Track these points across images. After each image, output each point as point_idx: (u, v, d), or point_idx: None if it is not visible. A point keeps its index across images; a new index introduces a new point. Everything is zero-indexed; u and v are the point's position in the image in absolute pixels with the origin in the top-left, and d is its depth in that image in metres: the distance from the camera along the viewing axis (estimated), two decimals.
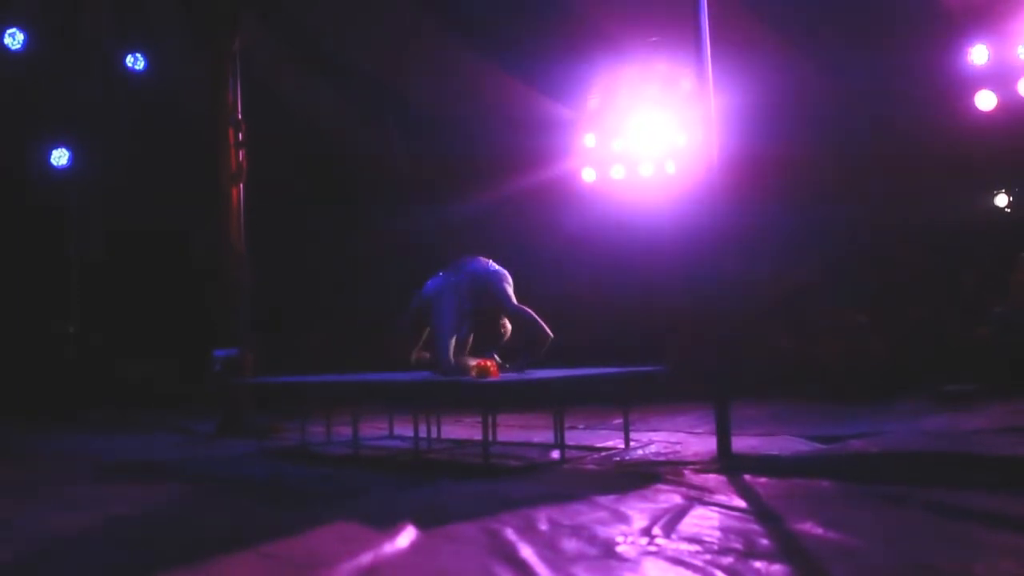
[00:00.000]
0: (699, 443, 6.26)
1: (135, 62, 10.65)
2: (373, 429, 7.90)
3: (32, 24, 10.09)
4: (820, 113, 9.81)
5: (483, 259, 6.58)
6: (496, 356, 6.42)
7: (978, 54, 9.08)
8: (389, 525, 3.73)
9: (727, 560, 3.07)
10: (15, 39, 9.95)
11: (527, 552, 3.27)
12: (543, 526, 3.72)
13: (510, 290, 6.41)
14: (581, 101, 11.42)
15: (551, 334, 6.17)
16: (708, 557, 3.12)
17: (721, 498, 4.22)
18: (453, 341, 6.31)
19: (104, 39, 10.77)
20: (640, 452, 6.03)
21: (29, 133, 11.22)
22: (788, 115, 9.85)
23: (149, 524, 4.35)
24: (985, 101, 9.14)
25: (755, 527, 3.59)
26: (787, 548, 3.26)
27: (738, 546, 3.27)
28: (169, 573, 3.24)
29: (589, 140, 11.68)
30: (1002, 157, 9.77)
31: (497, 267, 6.53)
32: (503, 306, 6.34)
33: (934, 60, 9.13)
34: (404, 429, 7.35)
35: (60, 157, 11.27)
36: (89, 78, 11.01)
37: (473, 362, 6.04)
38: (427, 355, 6.68)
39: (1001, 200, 10.52)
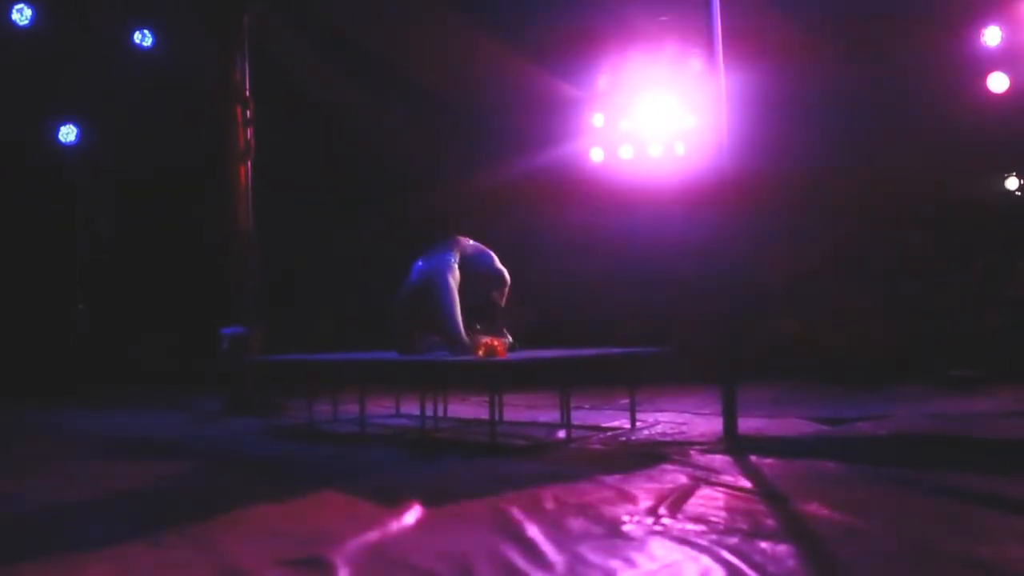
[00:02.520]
0: (705, 424, 6.27)
1: (143, 38, 10.60)
2: (380, 408, 7.92)
3: (39, 0, 10.05)
4: (830, 94, 9.73)
5: (462, 238, 6.76)
6: (508, 336, 6.47)
7: (991, 36, 9.00)
8: (396, 503, 3.75)
9: (732, 540, 3.07)
10: (23, 15, 9.91)
11: (533, 531, 3.28)
12: (549, 505, 3.73)
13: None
14: (590, 80, 11.35)
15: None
16: (714, 537, 3.12)
17: (727, 479, 4.23)
18: (459, 315, 6.34)
19: (112, 15, 10.73)
20: (646, 432, 6.04)
21: (36, 109, 11.20)
22: (797, 96, 9.78)
23: (152, 499, 4.37)
24: (997, 83, 9.06)
25: (761, 508, 3.60)
26: (792, 529, 3.26)
27: (744, 526, 3.28)
28: (172, 547, 3.26)
29: (597, 120, 11.62)
30: (1013, 140, 9.69)
31: (476, 243, 6.82)
32: (492, 271, 6.69)
33: (947, 41, 9.05)
34: (411, 408, 7.36)
35: (68, 134, 11.25)
36: (97, 54, 10.98)
37: (483, 340, 6.06)
38: (433, 338, 6.69)
39: (1012, 183, 10.43)
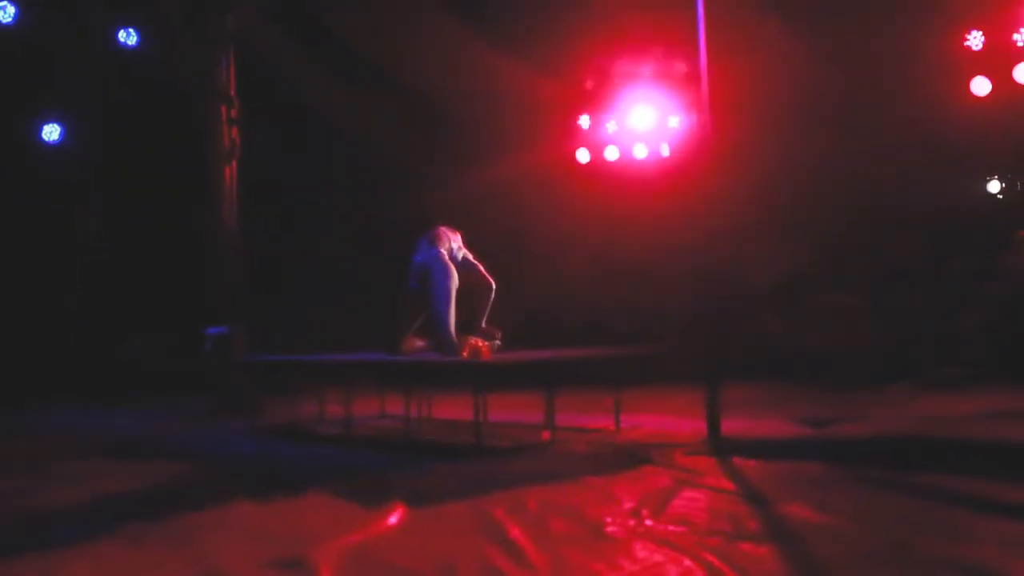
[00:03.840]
0: (689, 425, 6.27)
1: (127, 37, 10.53)
2: (365, 408, 7.90)
3: None
4: (815, 97, 9.78)
5: (445, 229, 6.79)
6: (498, 338, 6.49)
7: (974, 40, 9.06)
8: (379, 504, 3.74)
9: (715, 541, 3.09)
10: (6, 12, 9.82)
11: (516, 532, 3.29)
12: (533, 506, 3.73)
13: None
14: (576, 81, 11.37)
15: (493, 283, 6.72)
16: (696, 538, 3.14)
17: (710, 480, 4.25)
18: (453, 318, 6.35)
19: (96, 13, 10.67)
20: (630, 434, 6.05)
21: (20, 108, 11.12)
22: (783, 99, 9.82)
23: (136, 500, 4.36)
24: (980, 87, 9.12)
25: (743, 509, 3.61)
26: (774, 530, 3.28)
27: (726, 527, 3.29)
28: (153, 548, 3.25)
29: (584, 121, 11.64)
30: (996, 143, 9.76)
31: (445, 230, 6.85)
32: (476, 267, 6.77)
33: (930, 45, 9.11)
34: (396, 408, 7.35)
35: (51, 132, 11.16)
36: (81, 53, 10.91)
37: (468, 341, 6.08)
38: (419, 343, 6.69)
39: (994, 186, 10.51)
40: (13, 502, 4.28)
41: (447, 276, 6.43)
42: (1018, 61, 8.87)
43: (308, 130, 12.42)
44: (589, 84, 11.43)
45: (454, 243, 6.75)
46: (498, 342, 6.53)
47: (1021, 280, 8.93)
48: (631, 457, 5.01)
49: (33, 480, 4.95)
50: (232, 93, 9.11)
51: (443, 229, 6.77)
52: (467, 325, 6.62)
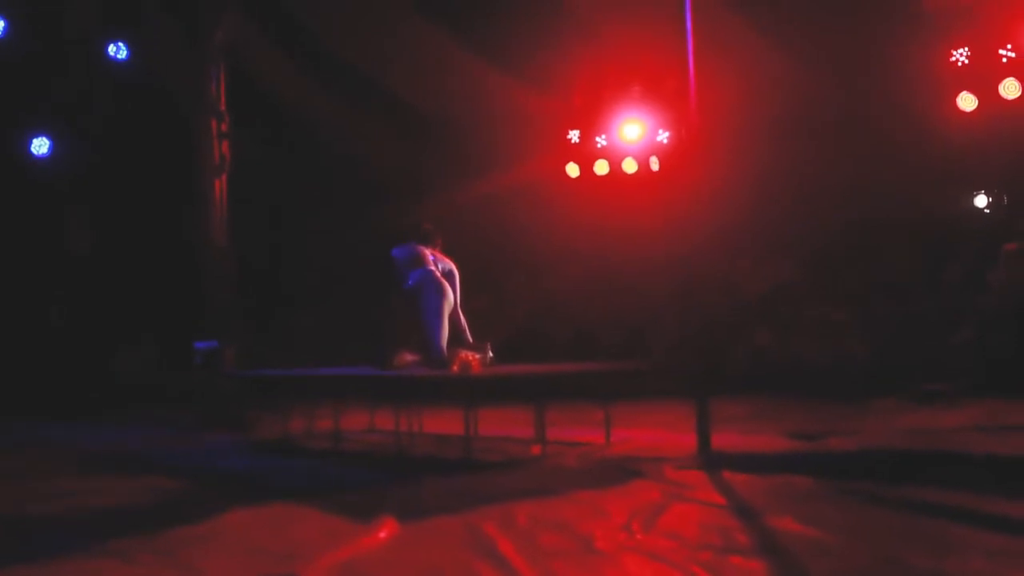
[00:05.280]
0: (679, 439, 6.26)
1: (117, 51, 10.54)
2: (355, 422, 7.88)
3: (13, 11, 9.98)
4: (803, 113, 9.85)
5: (420, 247, 6.81)
6: (490, 351, 6.50)
7: (960, 55, 9.13)
8: (369, 518, 3.73)
9: (705, 556, 3.09)
10: None
11: (507, 546, 3.28)
12: (523, 521, 3.73)
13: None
14: (566, 96, 11.40)
15: None
16: (686, 552, 3.14)
17: (700, 494, 4.25)
18: (445, 333, 6.37)
19: (86, 27, 10.68)
20: (621, 448, 6.04)
21: (9, 121, 11.11)
22: (771, 114, 9.88)
23: (124, 514, 4.33)
24: (966, 102, 9.18)
25: (733, 523, 3.62)
26: (765, 544, 3.28)
27: (716, 542, 3.29)
28: (143, 563, 3.23)
29: (573, 135, 11.68)
30: (982, 158, 9.85)
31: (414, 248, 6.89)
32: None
33: (916, 61, 9.18)
34: (386, 423, 7.33)
35: (40, 146, 11.15)
36: (70, 67, 10.92)
37: (459, 355, 6.09)
38: (410, 358, 6.69)
39: (981, 201, 10.58)
40: (2, 517, 4.25)
41: (441, 293, 6.47)
42: (1003, 77, 8.93)
43: (298, 142, 12.43)
44: (579, 99, 11.47)
45: (433, 257, 6.79)
46: (490, 354, 6.53)
47: (1009, 294, 8.98)
48: (621, 471, 5.01)
49: (23, 495, 4.92)
50: (223, 107, 9.11)
51: (420, 247, 6.81)
52: (457, 339, 6.64)
